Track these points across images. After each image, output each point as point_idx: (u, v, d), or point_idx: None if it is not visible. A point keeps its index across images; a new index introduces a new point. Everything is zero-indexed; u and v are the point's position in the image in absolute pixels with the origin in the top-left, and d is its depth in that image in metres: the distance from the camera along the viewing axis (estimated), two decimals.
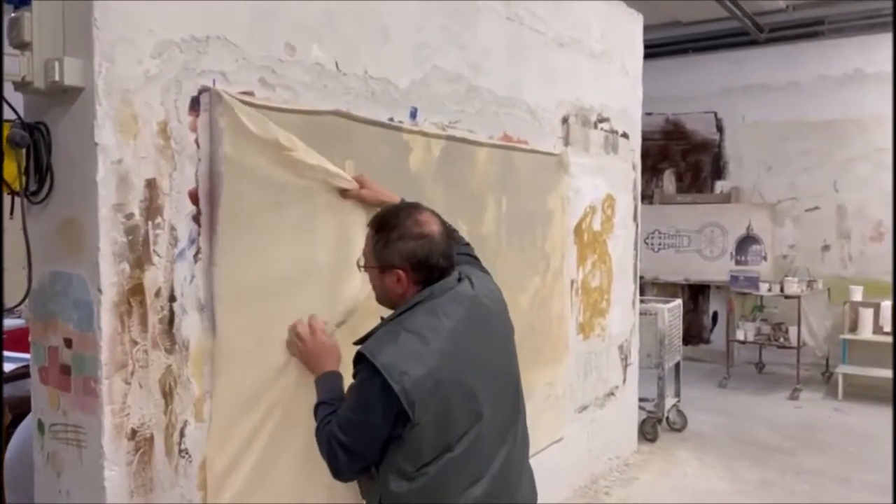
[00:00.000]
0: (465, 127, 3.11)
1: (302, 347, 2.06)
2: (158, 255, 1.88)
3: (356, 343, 1.77)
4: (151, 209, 1.86)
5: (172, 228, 1.91)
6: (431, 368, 1.63)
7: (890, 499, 4.37)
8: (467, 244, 2.19)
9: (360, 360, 1.68)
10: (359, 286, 2.27)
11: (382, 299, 1.86)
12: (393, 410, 1.62)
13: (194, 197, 1.95)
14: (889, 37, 7.18)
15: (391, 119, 2.66)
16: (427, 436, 1.65)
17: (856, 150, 7.54)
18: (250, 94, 2.09)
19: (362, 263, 1.86)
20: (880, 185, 7.40)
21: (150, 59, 1.85)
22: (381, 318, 1.83)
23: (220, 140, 1.96)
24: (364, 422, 1.66)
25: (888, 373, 6.69)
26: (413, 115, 2.79)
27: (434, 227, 1.79)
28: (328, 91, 2.38)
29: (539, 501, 1.95)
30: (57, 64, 1.72)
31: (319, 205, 2.24)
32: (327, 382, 1.93)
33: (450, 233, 1.90)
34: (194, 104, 1.94)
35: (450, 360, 1.68)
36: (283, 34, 2.22)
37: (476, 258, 2.14)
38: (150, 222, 1.86)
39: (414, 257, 1.75)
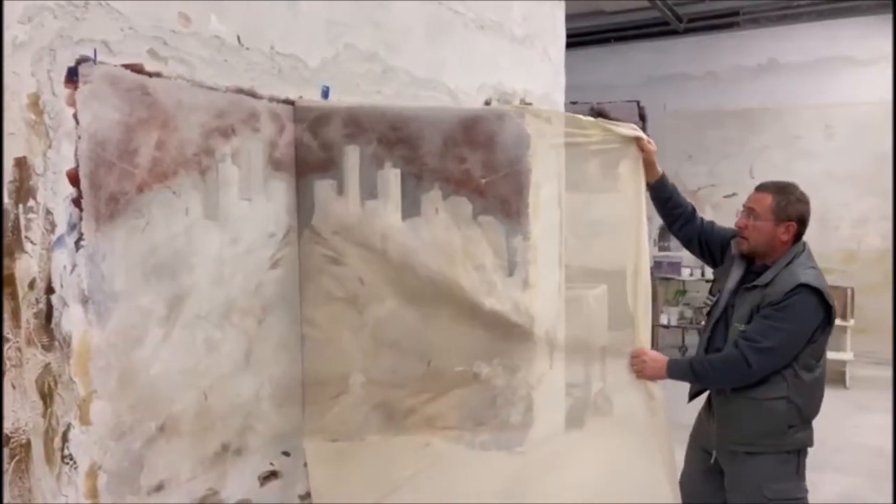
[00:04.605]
0: None
1: (646, 359, 2.71)
2: (32, 243, 1.69)
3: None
4: (22, 191, 1.67)
5: (48, 213, 1.72)
6: (829, 293, 2.46)
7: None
8: None
9: (794, 288, 2.41)
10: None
11: (760, 247, 2.58)
12: (818, 322, 2.44)
13: (74, 178, 1.77)
14: (802, 28, 7.44)
15: (300, 97, 2.52)
16: (826, 338, 2.52)
17: (770, 138, 7.77)
18: (138, 66, 1.92)
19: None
20: (793, 171, 7.60)
21: (17, 25, 1.66)
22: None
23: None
24: (796, 330, 2.41)
25: None
26: (325, 94, 2.65)
27: None
28: (229, 66, 2.22)
29: None
30: None
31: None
32: (680, 363, 2.72)
33: None
34: (72, 75, 1.76)
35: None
36: (176, 3, 2.05)
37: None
38: (20, 205, 1.67)
39: (802, 217, 2.55)
